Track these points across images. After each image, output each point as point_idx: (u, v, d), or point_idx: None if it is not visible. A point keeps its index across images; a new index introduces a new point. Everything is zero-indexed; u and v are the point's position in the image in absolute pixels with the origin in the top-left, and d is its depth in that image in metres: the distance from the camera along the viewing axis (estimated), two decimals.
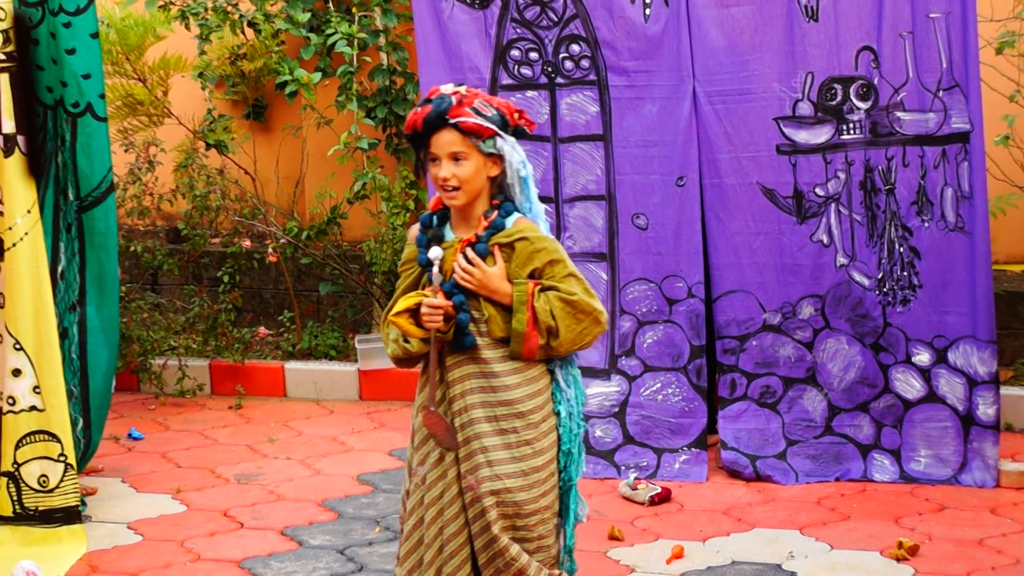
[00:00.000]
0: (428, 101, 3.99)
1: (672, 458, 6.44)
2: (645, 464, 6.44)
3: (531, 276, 4.01)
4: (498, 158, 4.01)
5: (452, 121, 3.94)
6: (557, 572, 4.12)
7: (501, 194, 4.08)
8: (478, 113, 3.96)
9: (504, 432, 4.03)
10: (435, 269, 4.02)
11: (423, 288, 4.09)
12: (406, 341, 4.04)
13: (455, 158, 3.97)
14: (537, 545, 4.05)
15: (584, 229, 6.56)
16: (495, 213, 4.04)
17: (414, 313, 3.98)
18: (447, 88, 4.03)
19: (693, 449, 6.44)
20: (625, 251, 6.52)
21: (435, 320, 3.96)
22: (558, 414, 4.10)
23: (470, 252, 3.99)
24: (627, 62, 6.42)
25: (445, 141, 3.97)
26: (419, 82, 6.77)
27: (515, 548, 4.00)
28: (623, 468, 6.44)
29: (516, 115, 4.04)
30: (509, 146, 4.00)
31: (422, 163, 4.09)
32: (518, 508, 4.02)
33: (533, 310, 3.95)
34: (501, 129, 3.99)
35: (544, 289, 4.00)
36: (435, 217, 4.12)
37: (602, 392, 6.54)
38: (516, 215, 4.06)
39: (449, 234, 4.09)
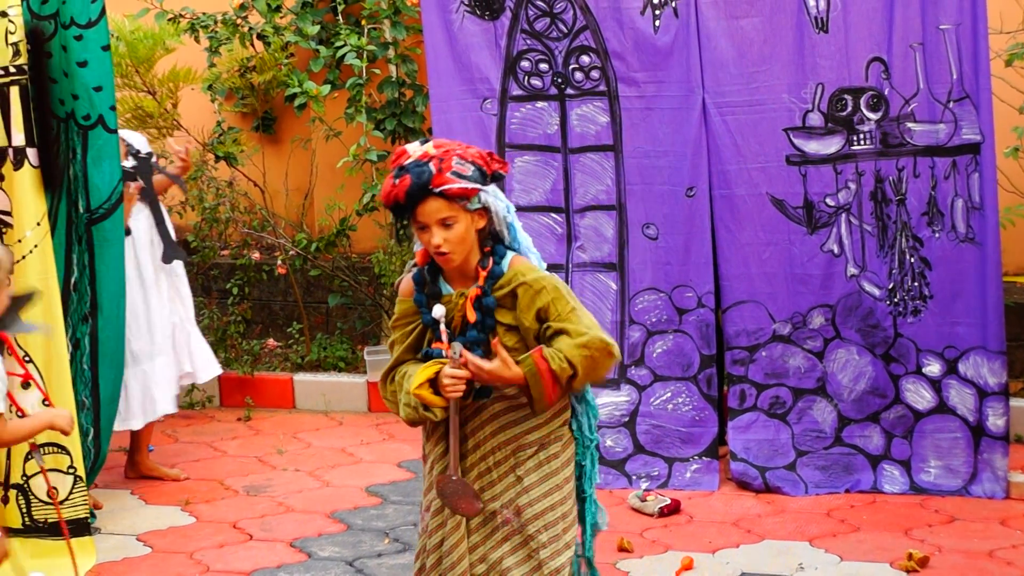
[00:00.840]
0: (404, 170, 3.91)
1: (683, 467, 6.45)
2: (656, 473, 6.46)
3: (537, 317, 3.96)
4: (484, 210, 3.96)
5: (437, 190, 3.88)
6: None
7: (490, 239, 4.03)
8: (459, 175, 3.89)
9: (535, 453, 4.03)
10: (442, 327, 3.97)
11: (426, 343, 4.05)
12: (426, 409, 3.98)
13: (444, 224, 3.91)
14: (568, 556, 4.07)
15: (594, 239, 6.56)
16: (491, 262, 3.99)
17: (432, 382, 3.94)
18: (414, 149, 3.95)
19: (704, 458, 6.44)
20: (635, 261, 6.52)
21: (457, 389, 3.92)
22: (570, 428, 4.10)
23: (468, 355, 3.92)
24: (637, 73, 6.42)
25: (432, 210, 3.90)
26: (428, 94, 6.77)
27: (560, 559, 4.04)
28: (634, 478, 6.46)
29: (489, 160, 3.98)
30: (492, 197, 3.96)
31: (406, 230, 4.05)
32: (565, 520, 4.04)
33: (551, 373, 3.90)
34: (482, 181, 3.94)
35: (554, 334, 3.95)
36: (427, 271, 4.07)
37: (612, 402, 6.54)
38: (510, 255, 4.01)
39: (445, 287, 4.05)
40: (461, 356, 3.90)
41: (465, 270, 4.01)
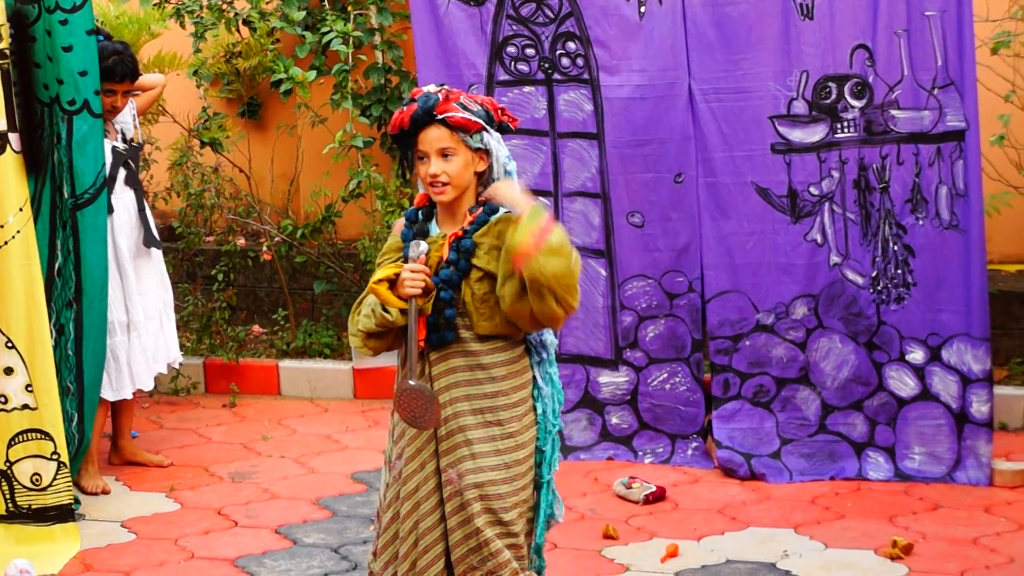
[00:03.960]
0: (413, 100, 3.98)
1: (685, 444, 6.57)
2: (660, 450, 6.57)
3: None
4: (485, 153, 4.00)
5: (440, 117, 3.94)
6: (528, 570, 4.10)
7: (486, 189, 4.05)
8: (465, 108, 3.95)
9: (489, 424, 4.01)
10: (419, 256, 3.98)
11: None
12: (385, 310, 3.96)
13: (443, 154, 3.96)
14: (512, 542, 4.03)
15: (583, 225, 6.57)
16: (480, 209, 4.01)
17: (392, 284, 3.93)
18: (430, 88, 4.02)
19: (699, 437, 6.55)
20: (622, 248, 6.53)
21: (416, 286, 3.90)
22: (535, 410, 4.09)
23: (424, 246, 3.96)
24: (620, 60, 6.41)
25: (433, 137, 3.96)
26: (415, 79, 6.76)
27: (497, 542, 3.98)
28: (640, 453, 6.57)
29: (500, 111, 4.04)
30: (495, 141, 4.01)
31: (408, 162, 4.07)
32: (502, 500, 4.00)
33: (543, 236, 3.84)
34: (488, 122, 4.00)
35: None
36: (420, 212, 4.10)
37: (613, 381, 6.61)
38: (501, 212, 4.01)
39: (435, 229, 4.07)
40: (421, 255, 3.93)
41: (457, 214, 4.04)
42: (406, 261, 4.00)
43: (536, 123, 6.53)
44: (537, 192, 6.54)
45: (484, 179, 4.04)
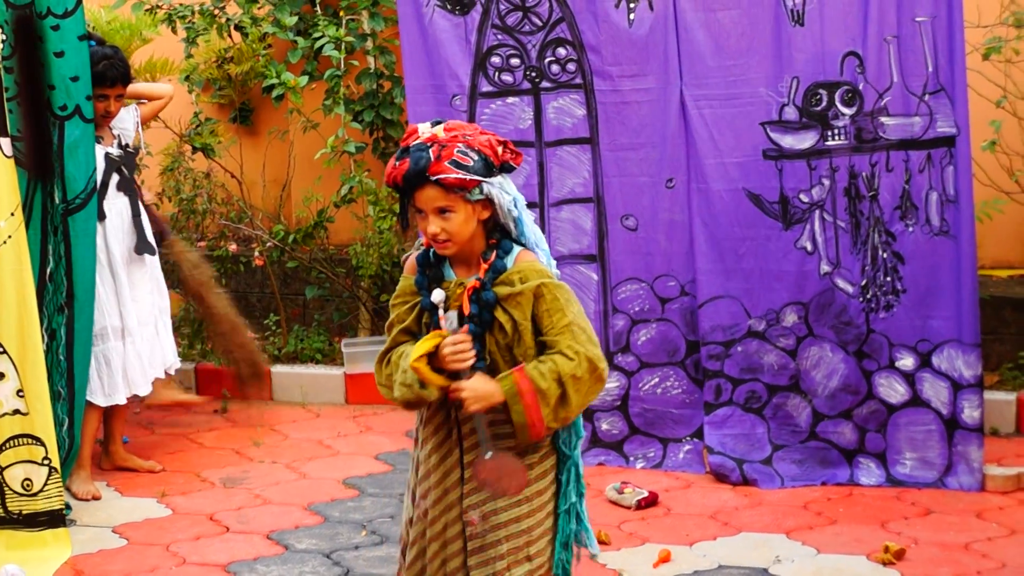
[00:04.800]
0: (405, 153, 3.79)
1: (677, 448, 6.55)
2: (652, 455, 6.56)
3: (533, 320, 3.83)
4: (488, 201, 3.83)
5: (433, 178, 3.74)
6: None
7: (497, 230, 3.89)
8: (459, 166, 3.73)
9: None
10: (441, 312, 3.84)
11: (423, 327, 3.90)
12: (422, 386, 3.82)
13: (441, 212, 3.79)
14: (540, 574, 3.97)
15: (572, 232, 6.56)
16: (494, 255, 3.85)
17: (431, 356, 3.79)
18: (424, 130, 3.81)
19: (695, 440, 6.53)
20: (615, 252, 6.54)
21: (463, 358, 3.77)
22: (552, 442, 3.97)
23: (451, 340, 3.79)
24: (611, 66, 6.42)
25: (429, 197, 3.77)
26: (405, 87, 6.76)
27: None
28: (631, 458, 6.56)
29: (500, 150, 3.83)
30: (497, 188, 3.80)
31: (406, 213, 3.93)
32: (528, 535, 3.92)
33: (533, 393, 3.75)
34: (486, 172, 3.77)
35: (546, 348, 3.82)
36: (431, 254, 3.93)
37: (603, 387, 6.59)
38: (516, 251, 3.87)
39: (449, 272, 3.91)
40: (457, 327, 3.79)
41: (469, 258, 3.89)
42: (425, 309, 3.89)
43: (521, 134, 6.50)
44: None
45: (492, 222, 3.88)
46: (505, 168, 3.84)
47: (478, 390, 3.77)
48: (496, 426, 3.85)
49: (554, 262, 3.97)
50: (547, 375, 3.77)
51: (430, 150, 3.75)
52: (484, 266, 3.84)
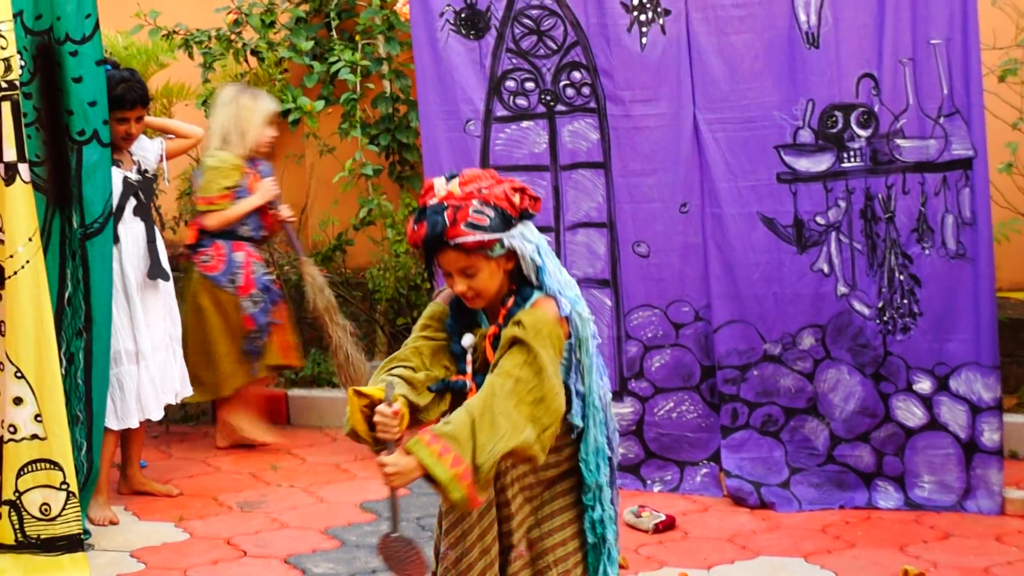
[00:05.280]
0: (423, 215, 3.73)
1: (694, 471, 6.55)
2: (669, 478, 6.55)
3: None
4: (512, 252, 3.78)
5: (452, 243, 3.71)
6: None
7: (522, 276, 3.83)
8: (475, 227, 3.69)
9: (551, 486, 3.92)
10: (469, 358, 3.83)
11: (444, 369, 3.87)
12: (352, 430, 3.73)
13: (465, 271, 3.76)
14: None
15: (587, 256, 6.56)
16: (511, 300, 3.82)
17: (369, 404, 3.69)
18: (439, 186, 3.76)
19: (712, 463, 6.53)
20: (627, 278, 6.53)
21: (388, 434, 3.64)
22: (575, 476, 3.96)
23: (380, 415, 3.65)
24: (624, 91, 6.41)
25: (451, 259, 3.75)
26: (419, 112, 6.77)
27: None
28: (648, 481, 6.56)
29: (518, 198, 3.76)
30: (519, 239, 3.76)
31: (432, 271, 3.86)
32: (575, 554, 3.94)
33: (451, 448, 3.56)
34: (505, 227, 3.73)
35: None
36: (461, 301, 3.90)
37: (617, 412, 6.53)
38: (536, 296, 3.81)
39: (483, 319, 3.89)
40: (393, 403, 3.65)
41: (496, 306, 3.86)
42: (453, 354, 3.86)
43: (536, 158, 6.51)
44: (538, 228, 6.51)
45: (517, 270, 3.83)
46: (525, 215, 3.80)
47: (399, 465, 3.60)
48: (544, 470, 3.86)
49: (583, 303, 3.88)
50: (452, 419, 3.63)
51: (445, 213, 3.71)
52: (502, 311, 3.83)
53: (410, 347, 3.90)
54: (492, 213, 3.71)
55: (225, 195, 7.18)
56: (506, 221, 3.73)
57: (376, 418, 3.64)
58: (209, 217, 7.19)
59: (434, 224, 3.70)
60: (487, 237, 3.70)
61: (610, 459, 3.98)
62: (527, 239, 3.79)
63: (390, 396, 3.65)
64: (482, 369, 3.80)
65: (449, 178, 3.78)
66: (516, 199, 3.76)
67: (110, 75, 6.29)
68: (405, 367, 3.83)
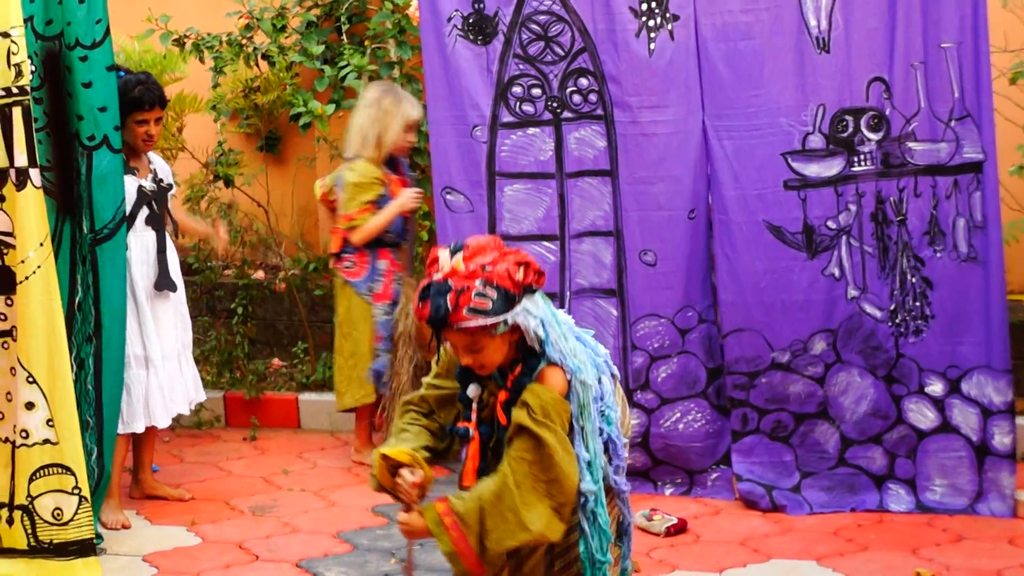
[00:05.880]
0: (427, 294, 3.83)
1: (704, 477, 6.54)
2: (679, 481, 6.55)
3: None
4: (516, 326, 3.87)
5: (455, 326, 3.82)
6: None
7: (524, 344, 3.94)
8: (477, 311, 3.78)
9: (545, 571, 4.03)
10: (474, 406, 3.97)
11: (452, 415, 4.08)
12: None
13: (470, 349, 3.87)
14: None
15: (592, 265, 6.52)
16: (518, 369, 3.91)
17: (394, 464, 3.96)
18: (444, 261, 3.84)
19: (722, 466, 6.51)
20: (634, 287, 6.49)
21: (408, 497, 3.94)
22: (579, 549, 4.01)
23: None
24: (632, 97, 6.38)
25: (455, 338, 3.87)
26: (427, 117, 6.76)
27: None
28: (659, 484, 6.55)
29: (522, 274, 3.83)
30: (522, 316, 3.85)
31: (439, 342, 3.96)
32: None
33: (457, 526, 3.81)
34: (507, 307, 3.81)
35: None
36: None
37: None
38: (540, 366, 3.90)
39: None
40: (416, 472, 3.94)
41: (505, 370, 3.97)
42: (461, 401, 4.02)
43: (541, 165, 6.50)
44: (542, 237, 6.52)
45: (521, 338, 3.92)
46: (529, 291, 3.86)
47: (412, 524, 3.90)
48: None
49: (599, 359, 3.98)
50: (467, 499, 3.84)
51: (448, 297, 3.79)
52: (511, 377, 3.92)
53: (420, 394, 4.14)
54: (495, 295, 3.80)
55: (366, 209, 7.06)
56: (509, 300, 3.81)
57: (398, 481, 3.92)
58: (353, 234, 7.06)
59: (437, 308, 3.79)
60: (490, 321, 3.79)
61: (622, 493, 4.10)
62: (531, 314, 3.86)
63: (475, 394, 3.96)
64: (488, 421, 3.95)
65: (454, 251, 3.85)
66: (520, 275, 3.82)
67: (127, 78, 6.34)
68: (421, 413, 4.13)
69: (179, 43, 8.28)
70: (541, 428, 3.79)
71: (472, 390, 3.95)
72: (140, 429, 6.51)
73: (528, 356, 3.90)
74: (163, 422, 6.56)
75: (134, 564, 5.93)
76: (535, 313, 3.86)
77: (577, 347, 3.94)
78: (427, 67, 6.61)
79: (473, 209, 6.57)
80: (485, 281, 3.80)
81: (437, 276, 3.83)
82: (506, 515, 3.78)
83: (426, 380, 4.16)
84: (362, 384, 7.12)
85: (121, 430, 6.44)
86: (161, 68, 8.24)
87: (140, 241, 6.47)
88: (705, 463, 6.53)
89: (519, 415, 3.82)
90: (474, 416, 3.95)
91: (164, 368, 6.53)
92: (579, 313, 6.44)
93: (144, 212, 6.48)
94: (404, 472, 3.92)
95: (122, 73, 6.39)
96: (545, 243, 6.51)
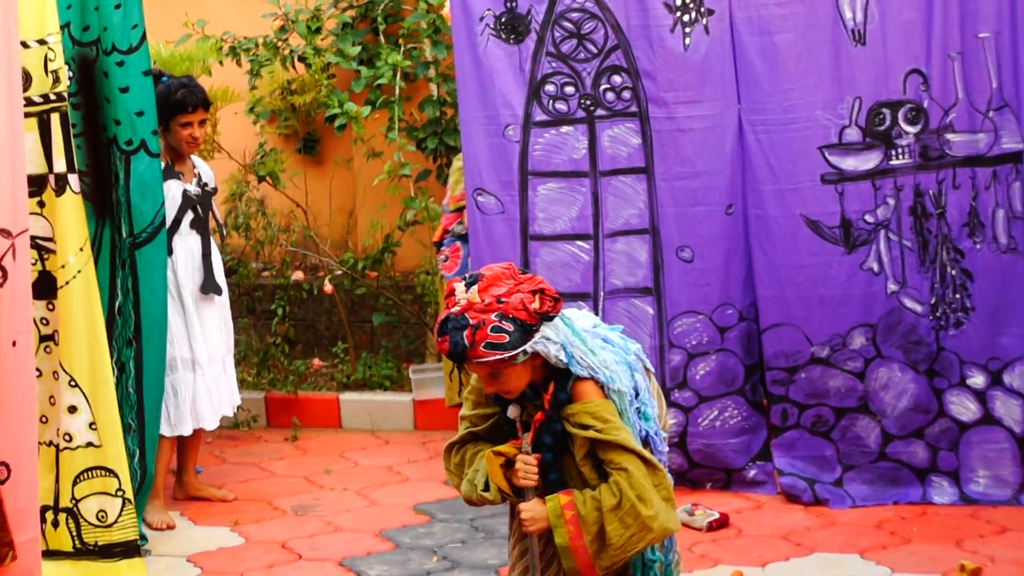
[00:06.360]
0: (445, 329, 3.79)
1: (742, 475, 6.51)
2: (717, 478, 6.53)
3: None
4: (536, 354, 3.86)
5: (474, 361, 3.79)
6: None
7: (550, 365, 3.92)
8: (494, 346, 3.75)
9: None
10: (519, 425, 3.95)
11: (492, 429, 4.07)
12: (485, 488, 3.96)
13: (492, 377, 3.86)
14: None
15: (627, 264, 6.49)
16: (552, 387, 3.90)
17: (507, 463, 3.94)
18: (460, 294, 3.81)
19: (759, 462, 6.49)
20: (671, 285, 6.46)
21: (530, 479, 3.90)
22: None
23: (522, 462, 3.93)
24: (667, 93, 6.35)
25: (476, 370, 3.86)
26: (459, 117, 6.74)
27: None
28: (696, 481, 6.52)
29: (537, 303, 3.78)
30: (541, 344, 3.81)
31: (461, 371, 4.01)
32: None
33: (576, 522, 3.81)
34: (524, 338, 3.77)
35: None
36: None
37: None
38: (571, 381, 3.89)
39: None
40: (537, 456, 3.92)
41: (538, 386, 3.95)
42: (503, 424, 4.00)
43: (575, 164, 6.47)
44: (576, 236, 6.49)
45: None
46: (546, 319, 3.82)
47: (536, 511, 3.88)
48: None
49: (620, 377, 3.93)
50: (588, 502, 3.83)
51: (464, 333, 3.76)
52: (547, 396, 3.90)
53: (467, 428, 4.11)
54: (511, 327, 3.77)
55: None
56: (526, 331, 3.79)
57: (518, 464, 3.90)
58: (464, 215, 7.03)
59: (455, 344, 3.78)
60: (507, 355, 3.77)
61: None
62: (550, 340, 3.84)
63: (527, 448, 3.92)
64: (536, 446, 3.92)
65: (469, 284, 3.82)
66: (536, 304, 3.79)
67: (169, 82, 6.40)
68: (476, 440, 4.11)
69: (216, 45, 8.30)
70: (613, 433, 3.81)
71: (512, 411, 3.94)
72: (188, 432, 6.55)
73: (559, 371, 3.89)
74: (210, 424, 6.60)
75: (178, 564, 5.97)
76: (555, 339, 3.84)
77: (606, 357, 3.92)
78: (459, 68, 6.59)
79: (504, 211, 6.55)
80: (501, 314, 3.76)
81: (455, 310, 3.80)
82: (627, 520, 3.79)
83: (463, 414, 4.12)
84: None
85: (168, 433, 6.48)
86: (190, 63, 8.23)
87: (185, 245, 6.50)
88: (741, 461, 6.50)
89: (587, 435, 3.82)
90: (521, 435, 3.93)
91: (210, 370, 6.57)
92: (614, 314, 6.41)
93: (189, 216, 6.51)
94: (522, 456, 3.90)
95: (165, 79, 6.43)
96: (579, 242, 6.49)
